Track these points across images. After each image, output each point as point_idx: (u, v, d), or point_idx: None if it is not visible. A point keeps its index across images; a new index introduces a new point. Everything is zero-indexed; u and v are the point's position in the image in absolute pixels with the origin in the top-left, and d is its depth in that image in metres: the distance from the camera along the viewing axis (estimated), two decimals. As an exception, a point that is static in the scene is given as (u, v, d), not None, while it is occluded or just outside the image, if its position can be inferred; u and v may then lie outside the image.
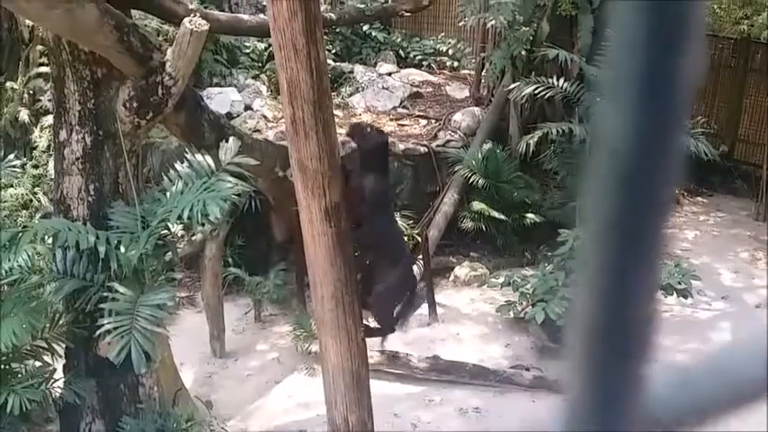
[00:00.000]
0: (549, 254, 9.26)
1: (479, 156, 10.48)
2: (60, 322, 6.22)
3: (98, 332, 5.71)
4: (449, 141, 11.31)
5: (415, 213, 10.48)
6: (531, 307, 8.37)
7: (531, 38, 10.60)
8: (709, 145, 9.74)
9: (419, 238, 9.69)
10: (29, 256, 6.09)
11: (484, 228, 10.35)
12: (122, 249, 5.76)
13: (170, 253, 6.45)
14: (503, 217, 10.21)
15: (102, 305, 5.70)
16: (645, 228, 0.44)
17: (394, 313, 4.92)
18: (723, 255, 11.05)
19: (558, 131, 9.42)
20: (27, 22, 9.68)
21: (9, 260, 5.90)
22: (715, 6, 10.23)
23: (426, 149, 10.99)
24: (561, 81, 9.50)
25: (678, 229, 11.32)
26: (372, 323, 5.03)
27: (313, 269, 4.58)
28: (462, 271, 10.33)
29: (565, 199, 9.98)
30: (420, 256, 9.40)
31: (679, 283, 8.19)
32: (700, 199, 12.93)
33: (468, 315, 9.61)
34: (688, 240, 11.32)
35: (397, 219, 5.29)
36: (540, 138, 9.54)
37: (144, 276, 5.94)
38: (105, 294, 5.78)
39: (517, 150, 10.18)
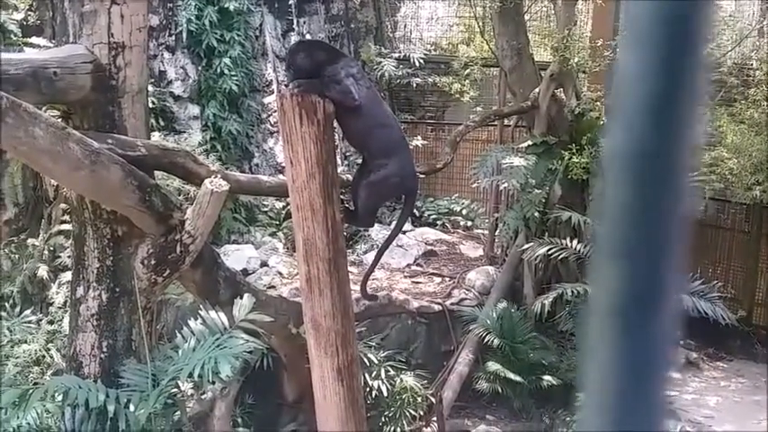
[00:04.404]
0: (568, 419, 8.97)
1: (494, 315, 10.41)
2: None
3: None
4: (463, 300, 11.27)
5: (428, 373, 10.28)
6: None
7: (543, 200, 10.79)
8: (727, 309, 9.67)
9: (433, 399, 9.45)
10: (38, 413, 5.99)
11: (500, 389, 10.10)
12: (132, 408, 5.67)
13: (179, 412, 6.33)
14: (519, 378, 9.98)
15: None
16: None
17: (377, 212, 4.68)
18: (746, 422, 10.65)
19: (572, 292, 9.39)
20: (52, 181, 10.00)
21: (18, 418, 5.79)
22: (726, 172, 10.42)
23: (440, 307, 10.93)
24: (574, 242, 9.58)
25: (699, 395, 10.99)
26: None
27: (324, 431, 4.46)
28: (478, 435, 9.99)
29: (581, 361, 9.79)
30: (435, 418, 9.13)
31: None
32: (720, 364, 12.63)
33: (484, 483, 9.20)
34: (709, 407, 10.97)
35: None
36: (554, 298, 9.51)
37: (151, 436, 5.80)
38: (111, 455, 5.63)
39: (532, 310, 10.11)
